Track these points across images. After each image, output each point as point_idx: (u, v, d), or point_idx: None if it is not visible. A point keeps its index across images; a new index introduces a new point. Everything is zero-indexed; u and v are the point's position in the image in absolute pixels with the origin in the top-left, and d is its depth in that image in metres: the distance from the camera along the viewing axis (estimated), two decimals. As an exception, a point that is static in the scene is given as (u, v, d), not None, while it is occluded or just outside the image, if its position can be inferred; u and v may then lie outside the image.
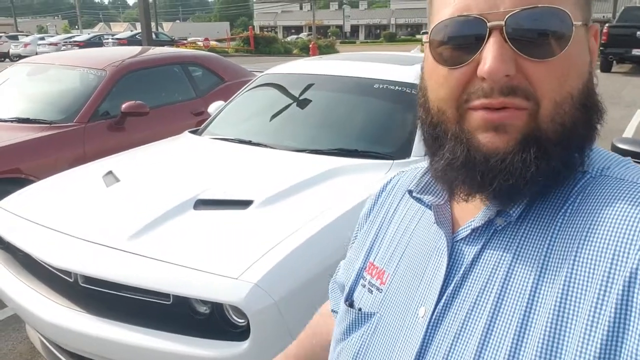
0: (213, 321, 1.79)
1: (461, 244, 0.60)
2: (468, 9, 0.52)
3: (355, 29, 69.94)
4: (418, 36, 52.92)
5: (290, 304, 1.74)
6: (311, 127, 2.95)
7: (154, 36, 14.32)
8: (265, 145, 2.75)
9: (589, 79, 0.54)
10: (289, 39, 41.04)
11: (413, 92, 2.80)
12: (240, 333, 1.73)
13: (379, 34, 65.33)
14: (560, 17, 0.51)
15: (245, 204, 2.11)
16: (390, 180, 0.82)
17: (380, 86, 2.86)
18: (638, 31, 13.28)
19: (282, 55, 25.65)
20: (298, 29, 70.64)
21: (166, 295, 1.79)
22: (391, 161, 2.47)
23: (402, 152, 2.56)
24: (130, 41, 25.15)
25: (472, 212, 0.60)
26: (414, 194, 0.68)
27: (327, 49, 26.04)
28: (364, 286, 0.72)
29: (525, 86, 0.51)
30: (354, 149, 2.63)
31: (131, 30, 40.20)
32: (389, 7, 75.22)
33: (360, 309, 0.70)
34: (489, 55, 0.50)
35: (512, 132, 0.52)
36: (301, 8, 79.09)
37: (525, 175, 0.52)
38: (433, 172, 0.60)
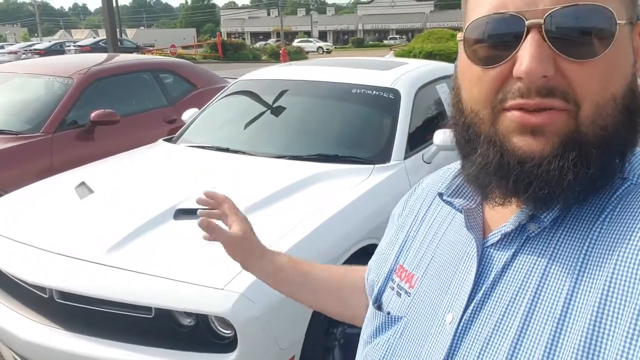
0: (198, 333, 1.74)
1: (491, 250, 0.58)
2: (505, 6, 0.50)
3: (323, 35, 70.30)
4: (386, 42, 53.60)
5: (277, 313, 1.71)
6: (290, 133, 2.93)
7: (118, 43, 14.04)
8: (244, 152, 2.72)
9: (633, 81, 0.52)
10: (257, 45, 40.94)
11: (391, 96, 2.82)
12: (227, 344, 1.69)
13: (347, 40, 65.87)
14: (603, 15, 0.49)
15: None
16: (422, 182, 0.81)
17: (358, 91, 2.87)
18: None
19: (251, 61, 25.56)
20: (266, 35, 70.56)
21: (147, 309, 1.74)
22: (371, 166, 2.47)
23: (382, 156, 2.57)
24: (94, 48, 24.59)
25: (504, 217, 0.58)
26: (444, 197, 0.66)
27: (296, 55, 26.07)
28: (392, 289, 0.71)
29: (564, 87, 0.49)
30: (334, 154, 2.63)
31: (93, 37, 39.39)
32: (356, 13, 75.90)
33: (389, 313, 0.69)
34: (526, 54, 0.48)
35: (551, 135, 0.50)
36: (269, 14, 79.10)
37: (562, 183, 0.50)
38: (466, 176, 0.58)
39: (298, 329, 1.85)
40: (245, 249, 0.91)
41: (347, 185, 2.32)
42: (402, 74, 3.04)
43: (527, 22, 0.49)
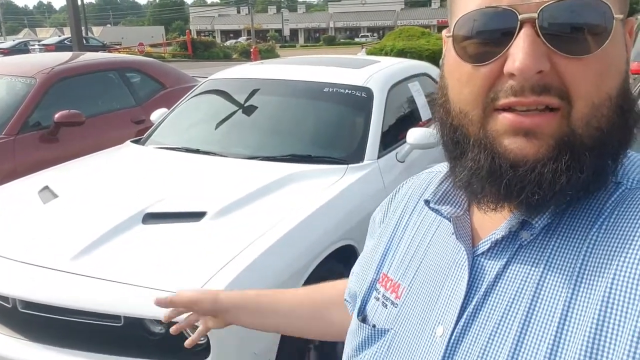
0: (169, 341, 1.69)
1: (482, 259, 0.56)
2: None
3: (294, 33, 70.19)
4: (357, 39, 53.77)
5: (251, 318, 1.68)
6: (262, 133, 2.89)
7: (84, 41, 13.69)
8: (215, 154, 2.67)
9: (626, 79, 0.51)
10: (227, 43, 40.57)
11: (364, 95, 2.80)
12: (199, 352, 1.65)
13: (318, 38, 65.90)
14: (599, 9, 0.47)
15: (198, 215, 2.02)
16: (402, 186, 0.77)
17: (331, 90, 2.84)
18: None
19: (221, 60, 25.30)
20: (236, 33, 70.00)
21: (116, 317, 1.69)
22: (345, 166, 2.46)
23: (356, 156, 2.55)
24: (59, 47, 23.97)
25: (492, 224, 0.56)
26: (431, 205, 0.63)
27: (267, 53, 25.91)
28: (377, 299, 0.67)
29: (558, 85, 0.47)
30: (307, 154, 2.60)
31: (59, 36, 38.36)
32: (327, 11, 75.93)
33: (374, 325, 0.65)
34: (520, 50, 0.46)
35: (545, 138, 0.48)
36: (239, 12, 78.41)
37: (554, 187, 0.48)
38: (457, 182, 0.55)
39: (273, 333, 1.82)
40: (220, 310, 0.92)
41: (321, 185, 2.29)
42: (374, 72, 3.03)
43: (520, 17, 0.47)
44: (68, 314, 1.73)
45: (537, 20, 0.46)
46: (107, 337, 1.72)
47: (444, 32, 0.56)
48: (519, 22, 0.47)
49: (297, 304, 0.93)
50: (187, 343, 0.96)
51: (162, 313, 1.60)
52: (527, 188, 0.49)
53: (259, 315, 0.92)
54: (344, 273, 2.49)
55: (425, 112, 3.31)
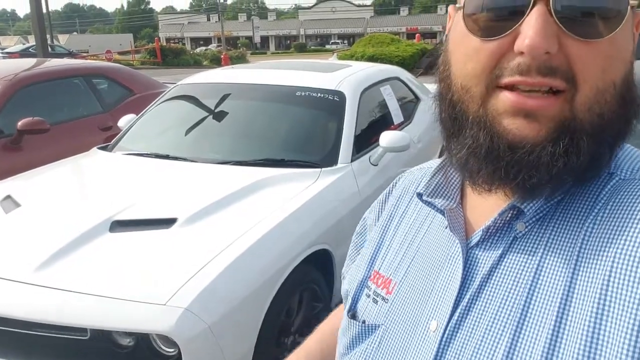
0: (138, 353, 1.64)
1: (476, 251, 0.55)
2: None
3: (265, 40, 70.03)
4: (328, 46, 54.04)
5: (224, 327, 1.63)
6: (234, 137, 2.84)
7: (49, 49, 13.36)
8: (185, 159, 2.61)
9: (631, 69, 0.50)
10: (197, 50, 40.20)
11: (336, 98, 2.79)
12: (171, 364, 1.59)
13: (289, 45, 65.91)
14: None
15: (167, 222, 1.96)
16: (397, 181, 0.77)
17: (303, 94, 2.82)
18: None
19: (191, 67, 25.03)
20: (207, 41, 69.43)
21: (82, 330, 1.62)
22: (319, 169, 2.43)
23: (329, 159, 2.53)
24: (23, 55, 23.34)
25: (485, 215, 0.55)
26: (424, 198, 0.62)
27: (238, 60, 25.77)
28: (368, 296, 0.66)
29: (565, 68, 0.46)
30: (280, 158, 2.56)
31: (23, 44, 37.39)
32: (297, 19, 76.10)
33: (364, 321, 0.64)
34: (531, 28, 0.45)
35: (545, 121, 0.47)
36: (209, 19, 77.88)
37: (551, 170, 0.47)
38: (454, 160, 0.54)
39: (247, 342, 1.77)
40: None
41: (295, 189, 2.26)
42: (346, 76, 3.02)
43: None
44: (31, 328, 1.65)
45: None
46: (73, 351, 1.65)
47: (451, 7, 0.55)
48: (532, 0, 0.46)
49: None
50: None
51: (130, 325, 1.55)
52: (524, 171, 0.48)
53: None
54: (318, 278, 2.46)
55: (397, 116, 3.32)
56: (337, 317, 0.86)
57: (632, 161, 0.53)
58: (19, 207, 2.21)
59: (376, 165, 2.70)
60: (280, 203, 2.14)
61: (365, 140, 2.81)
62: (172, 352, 1.60)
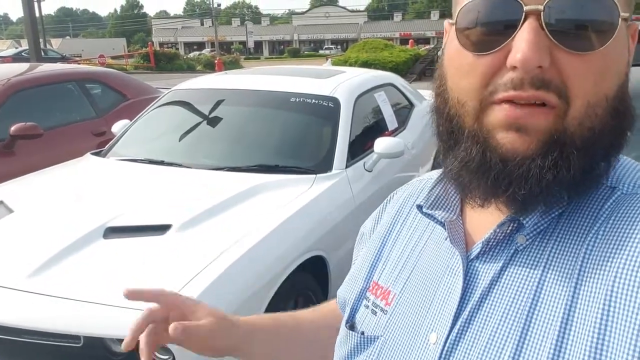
0: (133, 361, 1.62)
1: (476, 263, 0.55)
2: None
3: (258, 45, 70.12)
4: (321, 52, 54.18)
5: (219, 333, 1.62)
6: (228, 143, 2.84)
7: (42, 53, 13.32)
8: (180, 165, 2.60)
9: (625, 82, 0.51)
10: (191, 55, 40.15)
11: (331, 104, 2.80)
12: (165, 371, 1.58)
13: (282, 50, 66.00)
14: (607, 6, 0.46)
15: (162, 229, 1.96)
16: (396, 192, 0.76)
17: (297, 99, 2.83)
18: None
19: (185, 72, 25.01)
20: (200, 45, 69.44)
21: (75, 337, 1.61)
22: (313, 175, 2.43)
23: (324, 165, 2.54)
24: (16, 59, 23.22)
25: (485, 227, 0.55)
26: (424, 210, 0.62)
27: (232, 65, 25.77)
28: (367, 307, 0.65)
29: (558, 82, 0.47)
30: (275, 164, 2.57)
31: (16, 48, 37.22)
32: (291, 24, 76.28)
33: (362, 333, 0.63)
34: (523, 42, 0.45)
35: (535, 133, 0.47)
36: (202, 24, 77.90)
37: (540, 183, 0.48)
38: (447, 172, 0.55)
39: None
40: (223, 329, 0.69)
41: (289, 196, 2.26)
42: (341, 82, 3.03)
43: (525, 8, 0.46)
44: (25, 335, 1.64)
45: (542, 13, 0.46)
46: (66, 358, 1.64)
47: (447, 22, 0.55)
48: (524, 14, 0.46)
49: (322, 327, 0.80)
50: None
51: (124, 332, 1.55)
52: (514, 183, 0.48)
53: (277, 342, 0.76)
54: (313, 284, 2.46)
55: (391, 122, 3.33)
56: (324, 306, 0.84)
57: (634, 175, 0.53)
58: (11, 213, 2.20)
59: (371, 171, 2.70)
60: (275, 209, 2.14)
61: (359, 147, 2.82)
62: (167, 359, 1.60)
